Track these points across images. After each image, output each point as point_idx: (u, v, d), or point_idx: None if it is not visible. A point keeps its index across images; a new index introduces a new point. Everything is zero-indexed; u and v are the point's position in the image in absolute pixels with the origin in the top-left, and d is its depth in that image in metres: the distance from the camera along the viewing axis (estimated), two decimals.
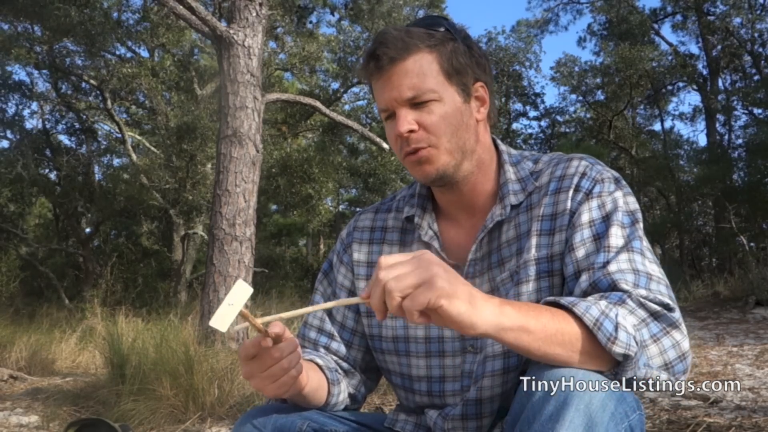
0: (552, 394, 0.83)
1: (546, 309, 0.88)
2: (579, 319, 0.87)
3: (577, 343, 0.87)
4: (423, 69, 1.04)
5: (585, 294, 0.97)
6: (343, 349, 1.21)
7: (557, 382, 0.84)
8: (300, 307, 0.96)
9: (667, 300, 0.93)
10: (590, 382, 0.84)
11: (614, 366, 0.88)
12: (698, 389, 3.30)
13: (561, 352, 0.86)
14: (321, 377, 1.11)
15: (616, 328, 0.86)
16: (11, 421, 3.42)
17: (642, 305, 0.91)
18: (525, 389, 0.88)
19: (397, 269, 0.81)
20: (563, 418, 0.81)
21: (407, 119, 1.05)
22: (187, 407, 3.24)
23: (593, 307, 0.87)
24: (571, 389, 0.83)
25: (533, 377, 0.88)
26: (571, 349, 0.86)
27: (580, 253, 1.01)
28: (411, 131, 1.05)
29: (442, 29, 1.07)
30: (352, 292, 1.22)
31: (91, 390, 3.79)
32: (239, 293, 0.88)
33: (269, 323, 0.92)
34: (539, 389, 0.85)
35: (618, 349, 0.85)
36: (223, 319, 0.86)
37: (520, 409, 0.88)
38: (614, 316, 0.87)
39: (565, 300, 0.90)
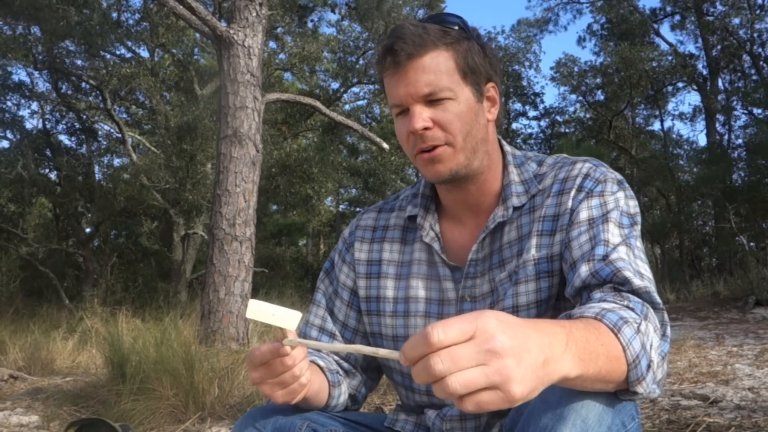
0: (549, 407, 0.82)
1: (602, 344, 0.78)
2: (623, 349, 0.81)
3: (619, 379, 0.81)
4: (440, 66, 1.04)
5: (585, 284, 0.96)
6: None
7: (555, 395, 0.83)
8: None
9: (659, 298, 0.94)
10: (588, 396, 0.83)
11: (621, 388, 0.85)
12: (698, 389, 3.30)
13: (601, 388, 0.82)
14: (322, 379, 1.11)
15: (648, 368, 0.83)
16: (11, 421, 3.42)
17: (651, 318, 0.89)
18: None
19: (462, 361, 0.62)
20: None
21: (422, 116, 1.04)
22: (187, 407, 3.24)
23: (637, 339, 0.82)
24: (569, 402, 0.82)
25: None
26: (606, 387, 0.82)
27: (575, 243, 1.01)
28: (426, 128, 1.04)
29: (456, 27, 1.07)
30: (353, 291, 1.22)
31: (91, 390, 3.79)
32: (287, 318, 0.89)
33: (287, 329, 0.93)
34: (537, 400, 0.82)
35: (639, 389, 0.83)
36: (258, 311, 0.88)
37: (517, 416, 0.88)
38: (649, 347, 0.84)
39: (609, 321, 0.82)
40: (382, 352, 0.73)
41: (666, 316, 0.93)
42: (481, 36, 1.12)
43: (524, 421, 0.85)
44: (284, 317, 0.90)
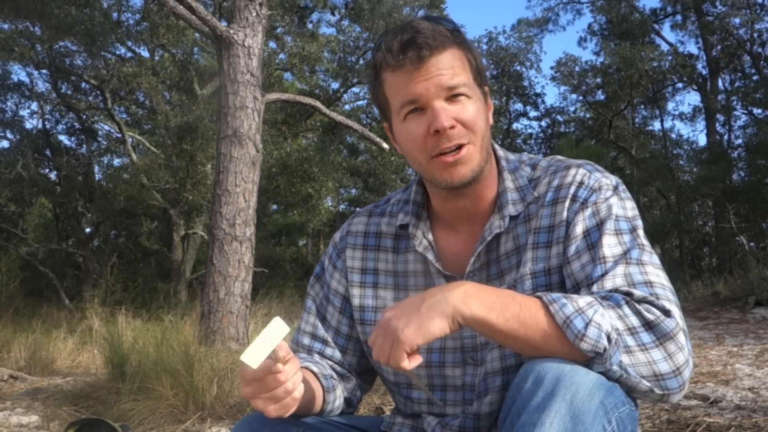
0: (540, 385, 0.84)
1: (518, 302, 0.91)
2: (552, 316, 0.89)
3: (543, 336, 0.89)
4: (459, 63, 1.02)
5: None
6: (338, 355, 1.20)
7: (546, 375, 0.85)
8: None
9: (668, 305, 0.91)
10: (578, 374, 0.84)
11: (586, 360, 0.89)
12: (698, 389, 3.30)
13: (528, 344, 0.90)
14: (316, 386, 1.11)
15: (587, 326, 0.86)
16: (11, 421, 3.42)
17: (638, 312, 0.89)
18: (516, 385, 0.89)
19: (375, 342, 0.95)
20: (549, 407, 0.81)
21: (447, 114, 1.00)
22: (187, 407, 3.24)
23: (569, 305, 0.89)
24: (559, 381, 0.83)
25: (524, 373, 0.88)
26: (536, 343, 0.89)
27: (576, 265, 1.00)
28: (452, 126, 1.00)
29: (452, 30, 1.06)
30: (345, 298, 1.20)
31: (91, 390, 3.79)
32: (275, 331, 0.90)
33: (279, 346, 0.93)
34: (529, 383, 0.86)
35: (585, 346, 0.86)
36: (255, 355, 0.89)
37: (511, 403, 0.89)
38: (591, 314, 0.87)
39: (547, 296, 0.91)
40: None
41: (669, 323, 0.89)
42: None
43: (519, 403, 0.86)
44: (273, 333, 0.90)
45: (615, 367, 0.87)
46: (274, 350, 0.90)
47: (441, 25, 1.04)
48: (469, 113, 1.02)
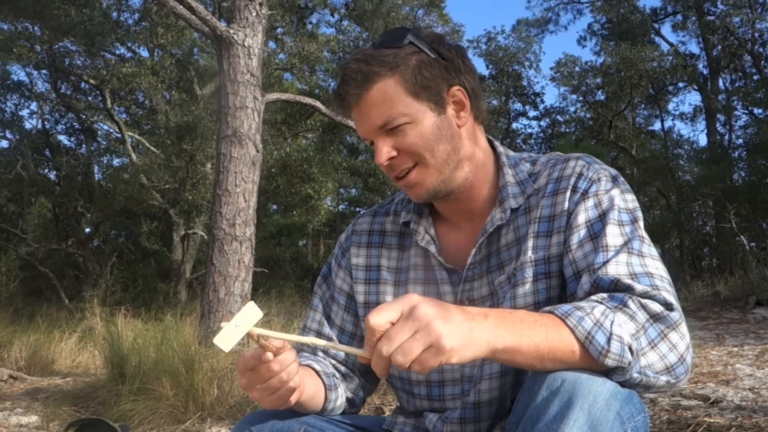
0: (556, 394, 0.83)
1: (541, 324, 0.86)
2: (572, 331, 0.86)
3: (571, 358, 0.86)
4: (388, 95, 1.04)
5: (588, 295, 0.96)
6: (342, 353, 1.20)
7: (561, 383, 0.84)
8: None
9: (669, 298, 0.92)
10: (595, 383, 0.84)
11: (607, 371, 0.88)
12: (698, 389, 3.30)
13: (553, 366, 0.87)
14: (318, 383, 1.11)
15: (609, 340, 0.85)
16: (11, 421, 3.42)
17: (643, 307, 0.90)
18: (528, 389, 0.88)
19: (398, 337, 0.76)
20: (568, 417, 0.80)
21: (384, 149, 1.06)
22: (187, 407, 3.24)
23: (587, 319, 0.86)
24: (576, 389, 0.83)
25: (537, 377, 0.87)
26: (563, 365, 0.87)
27: (578, 253, 1.00)
28: (391, 158, 1.06)
29: (407, 42, 1.05)
30: (350, 296, 1.21)
31: (91, 390, 3.79)
32: (248, 316, 0.88)
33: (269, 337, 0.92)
34: (543, 389, 0.85)
35: (610, 362, 0.85)
36: (227, 339, 0.87)
37: (523, 409, 0.87)
38: (609, 325, 0.86)
39: (560, 310, 0.88)
40: (340, 347, 0.88)
41: (674, 316, 0.91)
42: (440, 39, 1.08)
43: (533, 410, 0.85)
44: (247, 317, 0.88)
45: (635, 374, 0.88)
46: (249, 333, 0.89)
47: (380, 49, 1.05)
48: (408, 140, 1.05)
